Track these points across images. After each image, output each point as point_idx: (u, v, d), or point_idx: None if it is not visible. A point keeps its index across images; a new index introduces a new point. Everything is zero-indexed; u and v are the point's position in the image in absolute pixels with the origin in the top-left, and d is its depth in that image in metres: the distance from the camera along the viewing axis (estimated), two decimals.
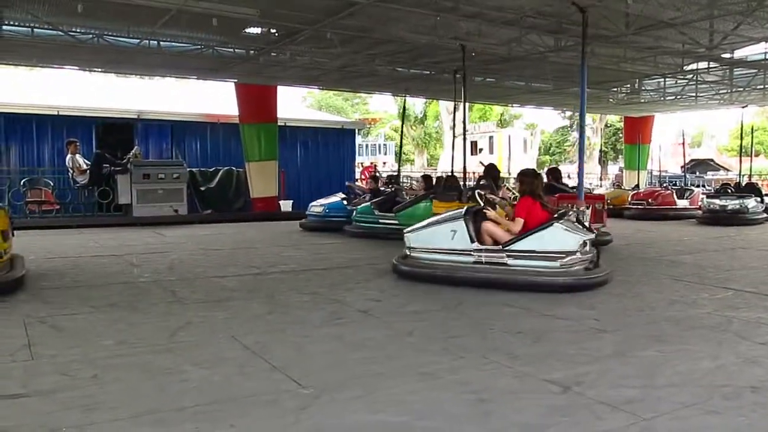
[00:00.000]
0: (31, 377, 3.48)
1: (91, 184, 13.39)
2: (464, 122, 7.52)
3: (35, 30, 10.46)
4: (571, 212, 6.66)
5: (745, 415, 3.00)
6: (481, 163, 12.79)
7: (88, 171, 13.30)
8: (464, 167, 7.82)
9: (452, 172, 12.40)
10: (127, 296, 5.81)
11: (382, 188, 12.75)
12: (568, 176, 17.91)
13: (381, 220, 10.81)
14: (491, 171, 10.51)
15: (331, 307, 5.39)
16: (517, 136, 39.83)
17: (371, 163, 34.57)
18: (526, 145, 40.77)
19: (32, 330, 4.49)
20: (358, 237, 10.82)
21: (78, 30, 10.61)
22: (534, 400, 3.18)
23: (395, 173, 13.30)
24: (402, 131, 16.90)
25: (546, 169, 12.11)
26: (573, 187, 14.13)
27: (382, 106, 55.52)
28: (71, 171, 13.40)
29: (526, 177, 6.56)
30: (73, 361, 3.77)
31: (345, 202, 12.02)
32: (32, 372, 3.58)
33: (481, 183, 10.95)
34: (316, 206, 12.30)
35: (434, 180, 12.49)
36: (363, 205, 11.37)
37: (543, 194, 6.61)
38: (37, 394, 3.22)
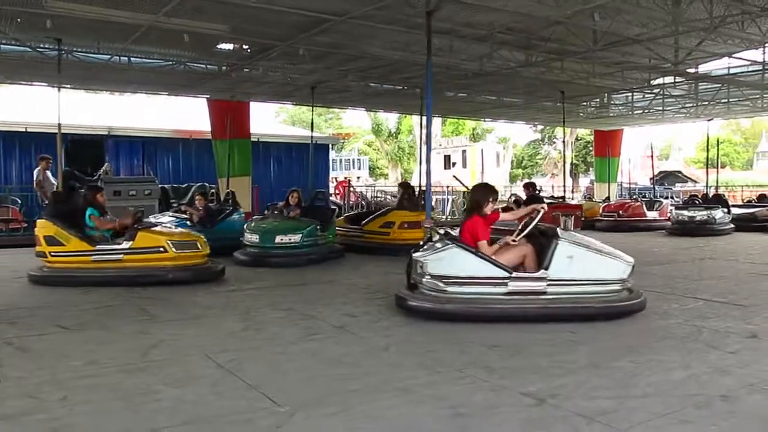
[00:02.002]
0: None
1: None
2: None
3: (2, 46, 10.29)
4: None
5: (716, 424, 3.04)
6: (454, 177, 12.88)
7: (51, 189, 13.06)
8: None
9: (420, 185, 12.30)
10: (98, 315, 5.71)
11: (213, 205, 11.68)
12: (540, 189, 18.18)
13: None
14: (407, 188, 11.36)
15: (305, 323, 5.35)
16: (489, 149, 40.16)
17: (345, 177, 34.56)
18: (499, 158, 41.14)
19: None
20: None
21: (46, 46, 10.46)
22: (511, 414, 3.18)
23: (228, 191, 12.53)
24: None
25: (522, 183, 12.25)
26: (561, 197, 14.48)
27: (355, 121, 55.68)
28: (35, 184, 13.16)
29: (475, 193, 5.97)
30: (41, 383, 3.68)
31: (189, 224, 10.08)
32: None
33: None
34: None
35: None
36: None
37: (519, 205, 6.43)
38: (3, 418, 3.13)
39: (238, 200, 13.82)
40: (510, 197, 12.60)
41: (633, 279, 5.65)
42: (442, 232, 5.91)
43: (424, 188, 8.23)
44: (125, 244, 7.39)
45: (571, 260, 5.34)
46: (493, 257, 5.43)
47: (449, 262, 5.41)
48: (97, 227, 7.64)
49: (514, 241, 5.67)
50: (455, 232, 5.86)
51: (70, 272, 7.41)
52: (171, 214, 10.81)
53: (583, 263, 5.38)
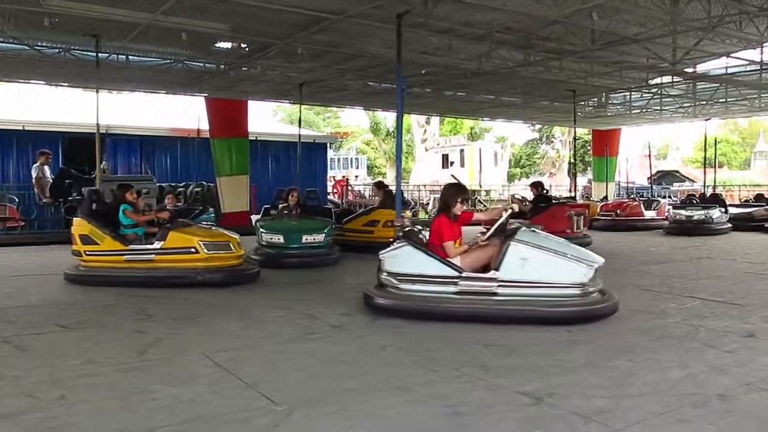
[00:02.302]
0: None
1: (53, 197, 13.12)
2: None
3: (0, 44, 10.28)
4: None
5: (713, 423, 3.05)
6: (452, 176, 12.87)
7: (48, 187, 13.06)
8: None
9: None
10: (96, 314, 5.70)
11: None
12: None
13: None
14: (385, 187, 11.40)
15: (304, 322, 5.35)
16: (487, 149, 40.15)
17: (343, 176, 34.56)
18: (497, 158, 41.16)
19: None
20: None
21: (44, 44, 10.45)
22: (508, 413, 3.19)
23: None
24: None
25: (530, 182, 12.21)
26: (572, 197, 14.57)
27: (353, 120, 55.67)
28: (34, 180, 13.16)
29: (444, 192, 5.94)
30: (38, 382, 3.68)
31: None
32: None
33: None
34: None
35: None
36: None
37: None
38: (1, 418, 3.13)
39: (226, 199, 13.58)
40: (511, 197, 12.57)
41: (601, 281, 5.47)
42: (408, 230, 5.97)
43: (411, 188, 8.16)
44: (157, 244, 7.21)
45: (525, 262, 5.23)
46: (456, 257, 5.46)
47: (402, 260, 5.53)
48: (136, 222, 7.53)
49: (483, 241, 5.65)
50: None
51: (104, 272, 7.32)
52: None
53: (538, 265, 5.22)
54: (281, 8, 8.36)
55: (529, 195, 12.66)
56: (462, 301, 5.31)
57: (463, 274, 5.35)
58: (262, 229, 9.34)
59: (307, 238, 9.10)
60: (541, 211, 11.29)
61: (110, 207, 7.81)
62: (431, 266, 5.42)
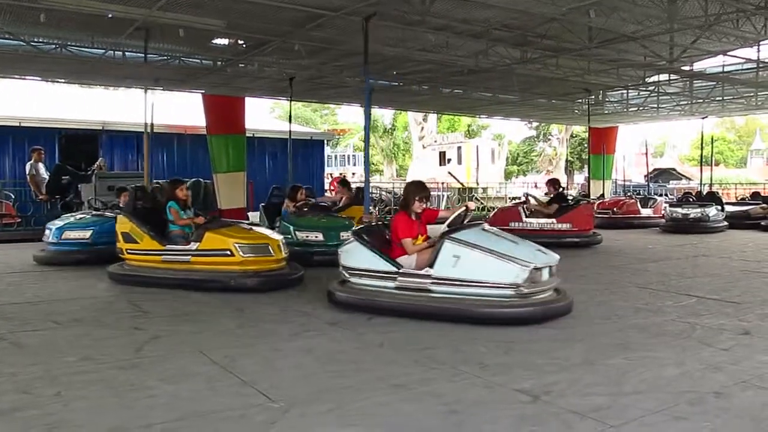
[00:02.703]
0: None
1: (49, 194, 13.11)
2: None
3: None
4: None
5: (709, 421, 3.06)
6: (449, 173, 12.85)
7: (43, 184, 13.04)
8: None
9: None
10: (92, 311, 5.70)
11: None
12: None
13: None
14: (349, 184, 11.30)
15: (300, 319, 5.35)
16: (485, 146, 40.14)
17: (340, 173, 34.55)
18: (494, 155, 41.12)
19: None
20: None
21: (40, 40, 10.41)
22: (504, 411, 3.19)
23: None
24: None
25: (546, 180, 12.18)
26: (585, 195, 14.63)
27: (350, 117, 55.64)
28: (29, 178, 13.14)
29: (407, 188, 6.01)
30: (35, 379, 3.67)
31: None
32: None
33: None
34: (75, 229, 8.91)
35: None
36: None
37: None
38: None
39: (223, 196, 13.41)
40: (524, 195, 12.58)
41: (556, 280, 5.43)
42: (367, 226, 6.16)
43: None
44: (193, 245, 6.87)
45: (458, 260, 5.19)
46: (414, 254, 5.51)
47: (351, 255, 5.75)
48: (175, 221, 7.25)
49: (435, 238, 5.66)
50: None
51: (143, 271, 7.08)
52: (94, 213, 9.60)
53: (470, 264, 5.17)
54: (277, 5, 8.34)
55: (538, 193, 12.60)
56: (401, 296, 5.40)
57: (401, 270, 5.46)
58: (294, 227, 8.99)
59: (343, 235, 8.94)
60: (567, 210, 11.29)
61: (158, 204, 7.55)
62: (374, 261, 5.59)
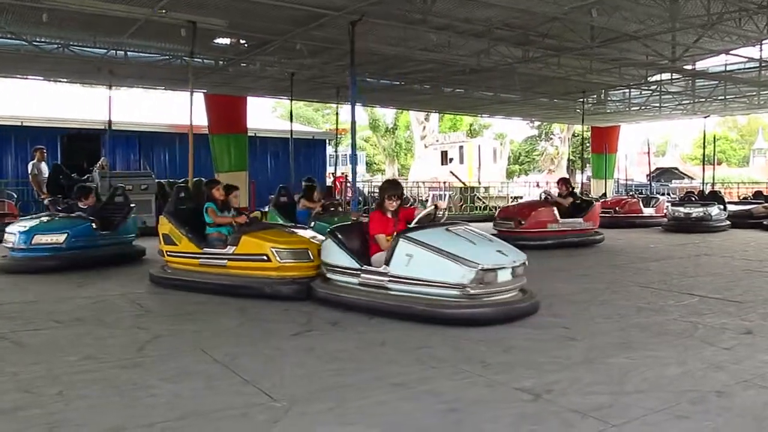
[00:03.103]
0: None
1: (51, 194, 13.11)
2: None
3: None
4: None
5: (711, 420, 3.06)
6: (451, 172, 12.84)
7: (45, 183, 13.04)
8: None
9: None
10: (94, 310, 5.70)
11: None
12: (537, 185, 18.22)
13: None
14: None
15: (302, 318, 5.35)
16: (486, 145, 40.05)
17: (342, 173, 34.51)
18: (496, 154, 41.03)
19: None
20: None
21: (42, 39, 10.43)
22: (505, 409, 3.19)
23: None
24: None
25: (558, 179, 12.08)
26: (603, 194, 14.57)
27: None
28: (30, 178, 13.15)
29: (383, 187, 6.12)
30: (36, 378, 3.67)
31: (94, 226, 8.51)
32: None
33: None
34: (47, 232, 8.07)
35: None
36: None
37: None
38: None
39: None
40: (541, 194, 12.56)
41: (521, 280, 5.40)
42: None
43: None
44: (229, 249, 6.47)
45: (410, 259, 5.23)
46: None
47: (327, 251, 5.95)
48: (214, 222, 6.92)
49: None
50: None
51: (182, 275, 6.76)
52: (62, 215, 8.79)
53: (420, 263, 5.19)
54: (279, 4, 8.35)
55: (555, 191, 12.51)
56: (363, 292, 5.50)
57: (363, 267, 5.56)
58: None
59: None
60: (585, 209, 11.30)
61: (199, 205, 7.22)
62: (342, 258, 5.75)
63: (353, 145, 8.04)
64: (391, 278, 5.33)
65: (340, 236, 5.89)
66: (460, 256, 5.10)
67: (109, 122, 10.32)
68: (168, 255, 7.09)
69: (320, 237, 6.50)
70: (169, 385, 3.56)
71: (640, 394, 3.40)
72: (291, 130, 13.92)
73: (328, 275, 5.92)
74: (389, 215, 5.91)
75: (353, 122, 8.05)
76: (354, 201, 7.72)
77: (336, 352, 4.31)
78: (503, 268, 5.24)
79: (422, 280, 5.19)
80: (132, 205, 9.79)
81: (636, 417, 3.07)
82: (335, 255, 5.83)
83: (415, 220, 5.77)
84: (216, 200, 7.07)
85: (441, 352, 4.25)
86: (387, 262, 5.36)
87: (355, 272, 5.63)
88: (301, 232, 6.89)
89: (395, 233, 5.55)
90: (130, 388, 3.50)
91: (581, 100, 17.19)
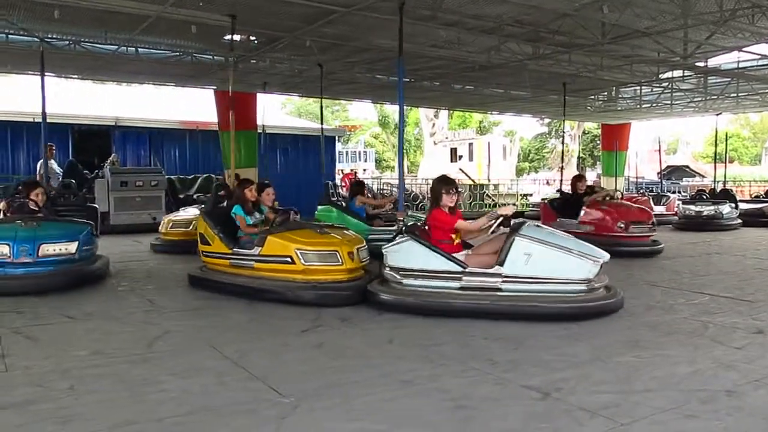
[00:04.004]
0: (3, 389, 3.42)
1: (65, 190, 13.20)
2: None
3: (10, 36, 10.33)
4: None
5: (721, 419, 3.04)
6: (460, 170, 12.81)
7: (55, 178, 13.11)
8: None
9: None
10: (104, 305, 5.74)
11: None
12: (547, 182, 18.15)
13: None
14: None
15: (311, 315, 5.36)
16: (496, 142, 39.96)
17: (351, 169, 34.56)
18: (506, 151, 40.93)
19: (5, 340, 4.41)
20: None
21: (54, 36, 10.48)
22: (514, 407, 3.19)
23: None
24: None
25: (573, 176, 11.83)
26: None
27: (361, 113, 55.67)
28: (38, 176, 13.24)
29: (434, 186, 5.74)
30: (47, 372, 3.71)
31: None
32: (5, 383, 3.52)
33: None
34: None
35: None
36: None
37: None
38: (11, 406, 3.16)
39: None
40: (559, 191, 12.43)
41: (606, 277, 5.48)
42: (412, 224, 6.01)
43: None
44: (256, 250, 6.13)
45: (529, 257, 5.15)
46: (462, 253, 5.44)
47: (404, 255, 5.50)
48: (242, 229, 6.62)
49: (489, 235, 5.64)
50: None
51: (215, 275, 6.55)
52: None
53: (542, 261, 5.15)
54: (289, 0, 8.35)
55: (550, 190, 12.36)
56: (465, 296, 5.26)
57: (467, 270, 5.31)
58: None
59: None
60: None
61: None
62: (434, 261, 5.38)
63: (401, 140, 7.62)
64: (505, 279, 5.19)
65: (422, 239, 5.52)
66: (582, 252, 5.21)
67: (43, 114, 9.18)
68: (203, 255, 6.89)
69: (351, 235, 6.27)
70: (179, 380, 3.58)
71: (648, 393, 3.38)
72: (321, 128, 13.66)
73: (406, 281, 5.45)
74: (447, 211, 5.58)
75: (401, 111, 7.60)
76: (401, 200, 7.43)
77: (344, 348, 4.32)
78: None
79: (544, 278, 5.16)
80: (94, 205, 8.88)
81: (645, 416, 3.06)
82: (424, 258, 5.40)
83: (499, 221, 5.52)
84: (246, 202, 6.75)
85: (449, 350, 4.25)
86: (501, 263, 5.20)
87: (454, 276, 5.30)
88: (343, 233, 6.39)
89: (510, 231, 5.35)
90: (139, 383, 3.52)
91: (592, 97, 17.13)
